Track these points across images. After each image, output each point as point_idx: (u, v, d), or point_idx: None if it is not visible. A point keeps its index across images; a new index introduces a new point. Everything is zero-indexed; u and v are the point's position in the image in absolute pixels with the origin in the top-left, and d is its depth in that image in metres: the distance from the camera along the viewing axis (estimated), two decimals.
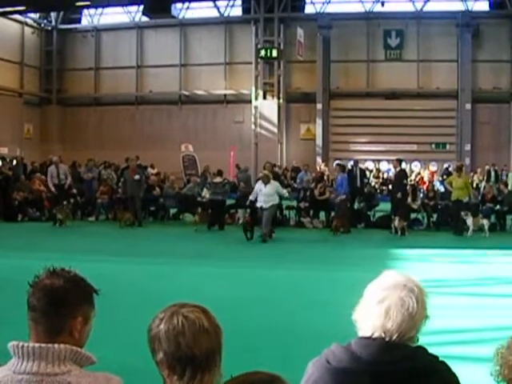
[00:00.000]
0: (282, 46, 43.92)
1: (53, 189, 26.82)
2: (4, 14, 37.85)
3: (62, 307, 2.97)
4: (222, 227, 25.35)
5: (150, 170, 33.68)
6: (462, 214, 23.76)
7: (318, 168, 36.23)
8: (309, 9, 45.18)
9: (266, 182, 22.31)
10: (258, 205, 22.33)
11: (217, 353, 2.87)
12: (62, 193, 26.59)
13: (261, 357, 8.32)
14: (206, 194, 27.68)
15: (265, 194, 22.10)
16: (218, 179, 25.66)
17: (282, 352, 8.66)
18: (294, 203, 27.69)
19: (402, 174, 25.97)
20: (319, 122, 43.66)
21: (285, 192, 23.53)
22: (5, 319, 10.09)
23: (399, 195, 24.85)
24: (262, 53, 43.42)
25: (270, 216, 22.33)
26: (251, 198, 22.76)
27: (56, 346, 2.88)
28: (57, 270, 3.09)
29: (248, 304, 11.83)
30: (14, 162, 34.78)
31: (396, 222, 23.70)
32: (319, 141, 43.64)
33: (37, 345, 2.89)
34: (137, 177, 26.59)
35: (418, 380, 3.03)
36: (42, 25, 48.69)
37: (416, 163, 42.68)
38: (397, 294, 3.14)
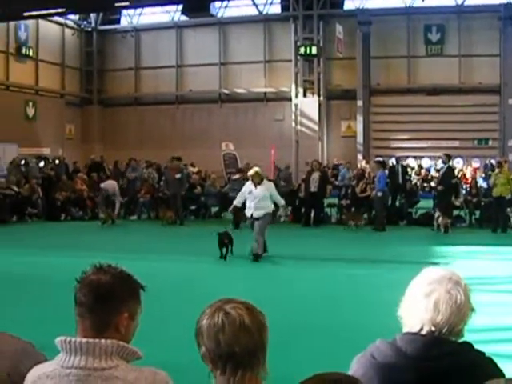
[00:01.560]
0: (321, 43, 43.78)
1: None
2: (45, 17, 38.18)
3: (108, 303, 3.00)
4: (237, 226, 24.30)
5: (190, 169, 33.79)
6: (508, 210, 23.55)
7: (358, 165, 36.09)
8: (348, 5, 44.98)
9: (258, 182, 17.43)
10: (248, 213, 17.52)
11: (260, 350, 2.85)
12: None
13: (306, 353, 8.31)
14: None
15: (256, 198, 17.21)
16: (236, 176, 25.56)
17: (326, 349, 8.64)
18: (336, 201, 27.67)
19: (450, 172, 25.53)
20: (360, 118, 43.44)
21: (280, 199, 18.23)
22: (49, 316, 10.21)
23: (440, 188, 24.63)
24: (302, 50, 43.30)
25: (264, 227, 17.25)
26: (236, 202, 18.13)
27: (103, 341, 2.90)
28: (103, 266, 3.12)
29: (292, 302, 11.83)
30: (57, 161, 35.07)
31: (439, 220, 23.52)
32: (360, 138, 43.42)
33: (84, 340, 2.91)
34: (178, 175, 26.76)
35: (463, 375, 3.01)
36: (82, 26, 49.03)
37: (458, 160, 42.19)
38: (443, 287, 3.13)
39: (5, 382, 3.19)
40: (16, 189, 27.82)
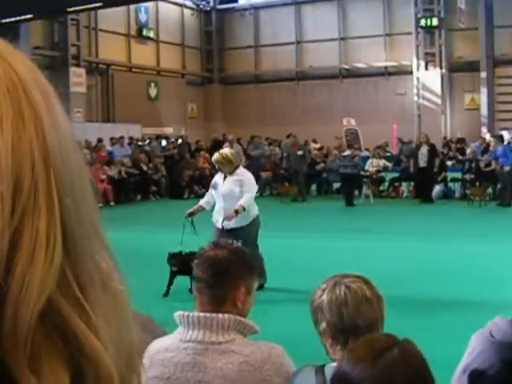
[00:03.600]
0: (442, 14, 42.87)
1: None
2: None
3: (225, 277, 3.05)
4: (349, 202, 24.37)
5: (312, 145, 33.78)
6: None
7: (483, 138, 35.31)
8: None
9: (228, 171, 11.14)
10: (216, 222, 11.02)
11: (379, 322, 2.88)
12: None
13: (422, 328, 8.24)
14: (369, 167, 27.60)
15: (224, 196, 10.96)
16: (347, 152, 25.29)
17: (447, 323, 8.56)
18: (459, 175, 27.19)
19: None
20: (484, 90, 42.42)
21: (249, 198, 11.14)
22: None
23: None
24: (422, 22, 42.56)
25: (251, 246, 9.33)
26: (201, 202, 11.67)
27: (220, 315, 2.96)
28: (220, 243, 3.17)
29: (417, 278, 11.75)
30: (180, 140, 35.65)
31: None
32: (484, 110, 42.42)
33: (201, 314, 2.97)
34: (300, 152, 26.83)
35: None
36: (201, 6, 49.53)
37: None
38: None
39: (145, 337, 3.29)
40: (142, 168, 28.49)
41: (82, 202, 0.73)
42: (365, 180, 26.20)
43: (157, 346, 3.07)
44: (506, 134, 29.88)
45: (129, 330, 0.77)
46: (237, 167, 11.32)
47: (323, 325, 2.88)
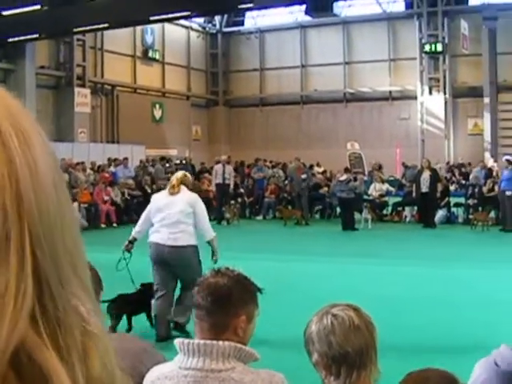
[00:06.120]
0: (446, 40, 43.08)
1: (214, 188, 27.56)
2: (170, 20, 38.98)
3: (226, 306, 3.06)
4: (351, 226, 24.43)
5: (316, 169, 33.83)
6: None
7: (486, 164, 35.33)
8: (473, 0, 44.13)
9: (176, 191, 9.61)
10: (154, 239, 9.64)
11: (371, 349, 2.88)
12: (225, 192, 27.03)
13: (427, 354, 8.23)
14: (372, 191, 27.66)
15: (173, 215, 9.47)
16: (343, 177, 25.30)
17: (448, 350, 8.54)
18: (462, 200, 27.20)
19: None
20: (487, 116, 42.50)
21: (211, 230, 9.81)
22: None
23: None
24: (427, 48, 42.77)
25: (192, 275, 8.18)
26: (134, 232, 10.04)
27: (220, 343, 2.96)
28: (221, 269, 3.18)
29: (414, 303, 11.72)
30: (184, 162, 35.72)
31: None
32: (487, 136, 42.47)
33: (202, 341, 2.98)
34: (304, 176, 26.91)
35: None
36: (207, 29, 49.84)
37: None
38: None
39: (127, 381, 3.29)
40: (146, 190, 28.52)
41: (60, 245, 0.72)
42: (365, 204, 26.19)
43: (156, 372, 3.08)
44: None
45: (109, 373, 0.76)
46: (186, 183, 9.90)
47: (315, 356, 2.90)
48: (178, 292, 9.74)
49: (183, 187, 9.67)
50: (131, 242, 10.03)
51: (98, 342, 0.74)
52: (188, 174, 10.32)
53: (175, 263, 9.42)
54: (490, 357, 3.14)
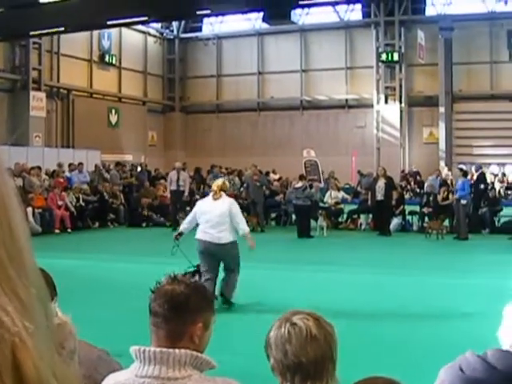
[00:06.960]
0: (402, 50, 43.44)
1: (168, 194, 27.43)
2: (127, 25, 38.85)
3: (182, 313, 3.03)
4: (306, 233, 24.50)
5: (272, 176, 33.87)
6: None
7: (441, 173, 35.65)
8: (430, 11, 44.58)
9: (217, 196, 12.03)
10: (202, 237, 11.92)
11: (328, 361, 2.85)
12: (179, 199, 26.86)
13: (384, 364, 8.25)
14: (328, 199, 27.78)
15: (214, 218, 11.84)
16: (299, 184, 25.37)
17: (406, 360, 8.57)
18: (417, 208, 27.42)
19: None
20: (442, 125, 42.92)
21: (244, 226, 12.40)
22: (123, 321, 10.34)
23: None
24: (383, 57, 43.09)
25: (233, 261, 12.32)
26: (182, 227, 12.77)
27: (177, 350, 2.93)
28: (178, 277, 3.15)
29: (369, 310, 11.76)
30: (139, 168, 35.55)
31: None
32: (442, 145, 42.90)
33: (158, 349, 2.94)
34: (259, 183, 26.94)
35: None
36: (164, 34, 49.73)
37: None
38: None
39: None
40: (103, 195, 28.31)
41: None
42: (320, 212, 26.25)
43: (112, 381, 3.03)
44: (473, 169, 30.25)
45: (45, 373, 0.75)
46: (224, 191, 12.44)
47: (272, 361, 2.88)
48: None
49: (222, 193, 12.15)
50: (180, 235, 12.57)
51: (27, 351, 0.74)
52: (226, 182, 13.25)
53: (220, 256, 12.00)
54: (456, 363, 3.14)
